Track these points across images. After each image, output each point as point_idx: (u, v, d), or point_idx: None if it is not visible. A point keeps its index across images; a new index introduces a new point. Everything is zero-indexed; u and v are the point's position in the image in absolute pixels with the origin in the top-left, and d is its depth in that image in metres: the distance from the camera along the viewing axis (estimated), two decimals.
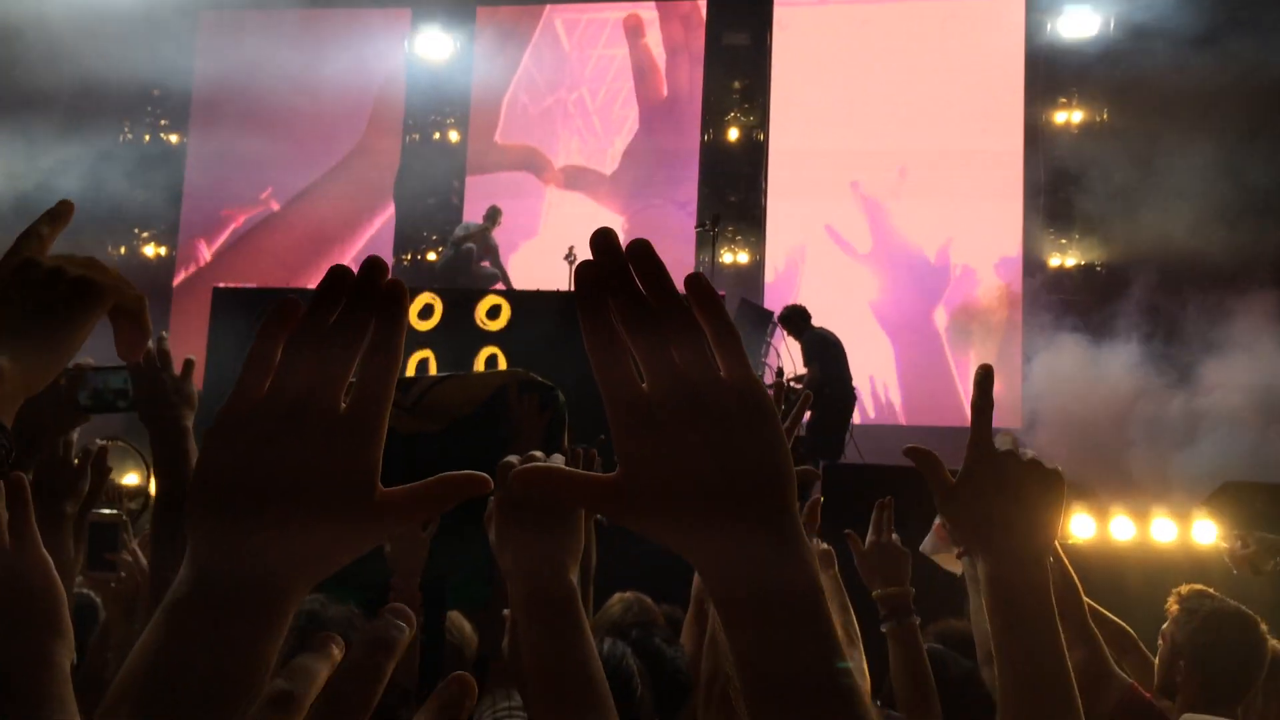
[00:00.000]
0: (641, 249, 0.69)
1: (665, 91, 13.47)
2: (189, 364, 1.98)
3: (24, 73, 11.04)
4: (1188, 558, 5.32)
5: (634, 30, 13.57)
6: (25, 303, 0.90)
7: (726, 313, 0.71)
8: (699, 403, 0.69)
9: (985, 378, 1.22)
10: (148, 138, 14.17)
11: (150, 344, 1.75)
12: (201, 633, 0.63)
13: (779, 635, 0.67)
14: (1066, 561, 2.10)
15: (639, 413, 0.69)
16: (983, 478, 1.20)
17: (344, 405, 0.67)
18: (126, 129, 14.01)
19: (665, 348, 0.69)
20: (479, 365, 8.61)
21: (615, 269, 0.69)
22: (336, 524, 0.67)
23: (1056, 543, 2.10)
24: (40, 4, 10.66)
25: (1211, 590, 2.61)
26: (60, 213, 0.98)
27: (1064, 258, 12.06)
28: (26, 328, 0.89)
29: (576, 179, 13.47)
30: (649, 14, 13.58)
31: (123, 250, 13.83)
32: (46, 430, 1.80)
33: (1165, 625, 2.57)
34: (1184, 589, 2.63)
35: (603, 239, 0.69)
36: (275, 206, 14.23)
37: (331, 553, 0.67)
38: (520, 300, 9.09)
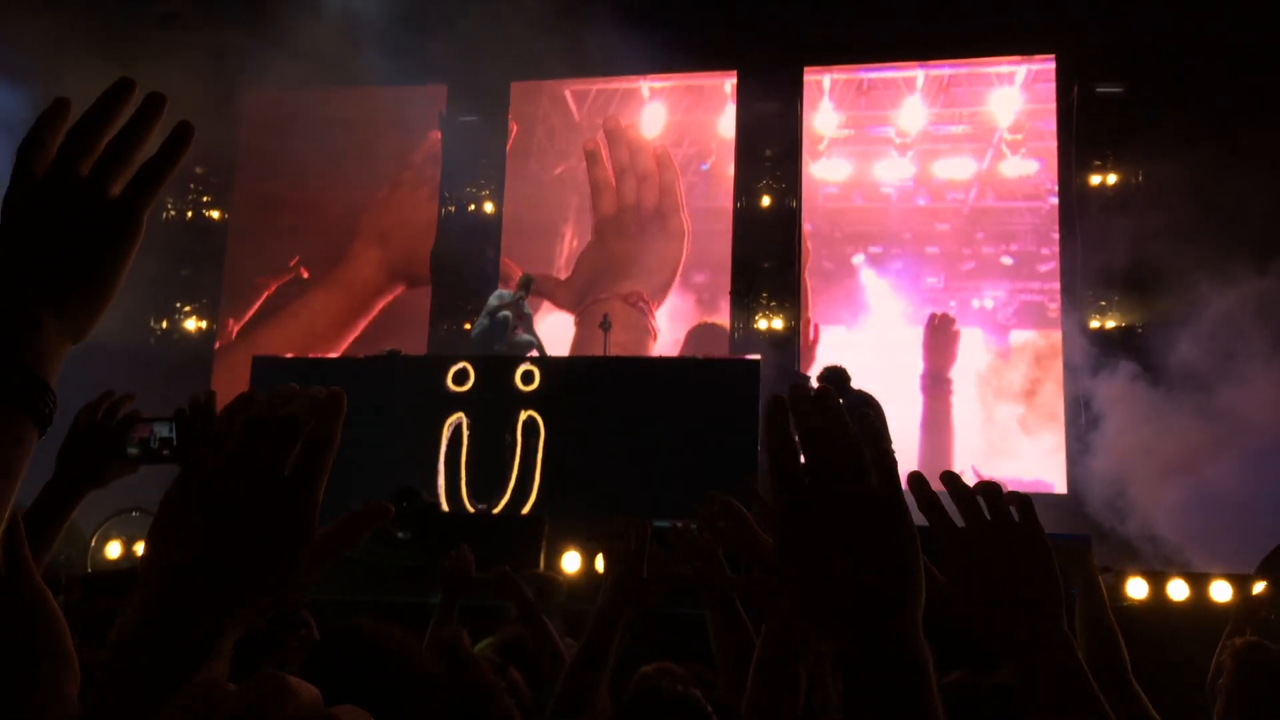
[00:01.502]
0: (823, 391, 0.89)
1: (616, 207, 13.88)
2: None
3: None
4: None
5: (592, 155, 14.09)
6: (61, 233, 0.78)
7: (888, 442, 0.91)
8: (847, 502, 0.85)
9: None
10: (190, 215, 14.47)
11: (200, 396, 1.91)
12: (143, 648, 0.73)
13: (886, 702, 0.80)
14: (1113, 620, 2.01)
15: (798, 500, 0.86)
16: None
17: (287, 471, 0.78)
18: (169, 206, 14.32)
19: (829, 455, 0.86)
20: (517, 429, 8.62)
21: (802, 400, 0.88)
22: (281, 562, 0.77)
23: (1105, 599, 1.98)
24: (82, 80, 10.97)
25: (1269, 644, 2.48)
26: (58, 110, 0.84)
27: (1104, 320, 11.92)
28: (66, 266, 0.78)
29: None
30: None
31: (164, 324, 14.05)
32: (92, 479, 1.78)
33: (1220, 679, 2.45)
34: (1238, 641, 2.51)
35: (797, 387, 0.90)
36: (304, 274, 14.51)
37: (276, 585, 0.77)
38: (553, 366, 9.11)
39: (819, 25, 12.78)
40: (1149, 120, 11.40)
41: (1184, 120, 10.64)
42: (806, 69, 13.39)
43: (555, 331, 12.90)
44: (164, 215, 14.14)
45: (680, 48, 12.61)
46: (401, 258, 14.48)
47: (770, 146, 13.31)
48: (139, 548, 6.40)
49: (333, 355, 12.30)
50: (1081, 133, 12.33)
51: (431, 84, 13.97)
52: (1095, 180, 12.30)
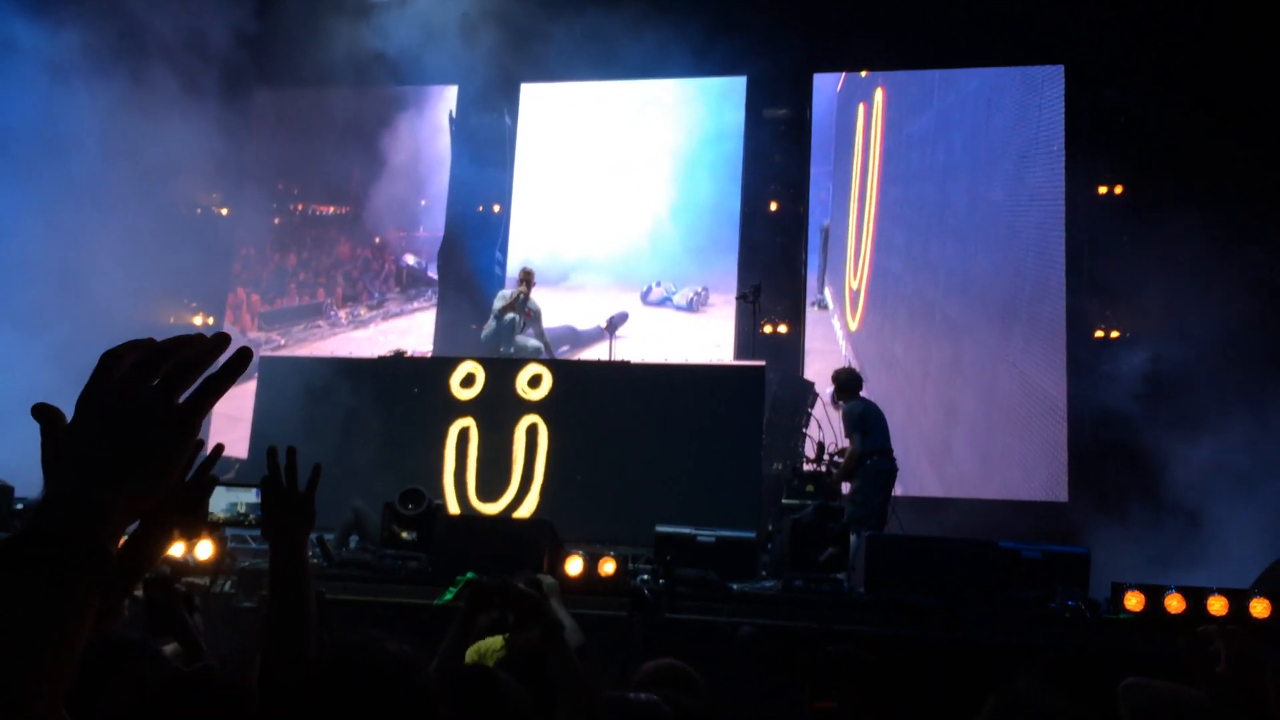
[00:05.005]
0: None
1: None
2: (315, 476, 2.08)
3: (80, 150, 11.34)
4: None
5: None
6: (130, 432, 0.97)
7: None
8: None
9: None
10: (199, 210, 14.52)
11: (279, 460, 2.02)
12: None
13: None
14: None
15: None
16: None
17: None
18: (179, 202, 14.36)
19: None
20: (519, 434, 8.64)
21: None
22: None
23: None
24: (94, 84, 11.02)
25: None
26: (141, 342, 1.03)
27: (1109, 330, 11.93)
28: (133, 461, 0.97)
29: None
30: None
31: (171, 319, 14.10)
32: (173, 538, 1.84)
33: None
34: None
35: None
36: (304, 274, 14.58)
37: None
38: (561, 370, 9.12)
39: (829, 31, 12.80)
40: (1158, 130, 11.40)
41: (1193, 130, 10.64)
42: (816, 74, 13.45)
43: (559, 326, 12.94)
44: (174, 210, 14.20)
45: (691, 51, 12.63)
46: None
47: (779, 152, 13.35)
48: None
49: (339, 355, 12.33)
50: (1090, 142, 12.33)
51: (441, 84, 14.03)
52: (1103, 190, 12.31)
